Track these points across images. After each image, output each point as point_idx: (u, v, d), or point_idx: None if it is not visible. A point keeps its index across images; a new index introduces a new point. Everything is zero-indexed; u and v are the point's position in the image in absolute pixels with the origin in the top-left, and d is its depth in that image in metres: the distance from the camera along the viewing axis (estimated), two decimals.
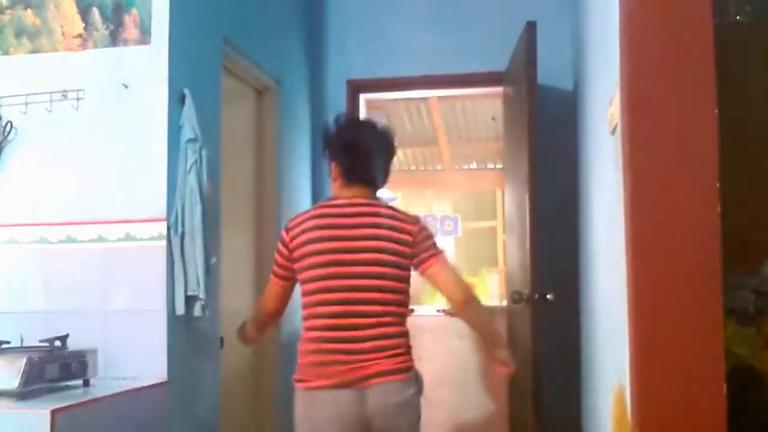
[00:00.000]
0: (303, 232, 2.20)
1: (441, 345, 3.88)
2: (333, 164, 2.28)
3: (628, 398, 1.59)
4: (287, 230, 2.26)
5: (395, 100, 5.38)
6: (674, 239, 1.50)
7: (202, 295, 2.33)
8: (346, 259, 2.14)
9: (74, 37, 2.41)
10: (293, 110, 3.68)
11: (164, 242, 2.28)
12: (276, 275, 2.29)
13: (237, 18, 2.95)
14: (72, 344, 2.11)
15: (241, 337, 2.50)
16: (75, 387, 2.07)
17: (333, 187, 2.31)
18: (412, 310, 2.59)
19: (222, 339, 2.69)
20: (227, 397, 2.81)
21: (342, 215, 2.20)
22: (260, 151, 3.35)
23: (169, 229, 2.28)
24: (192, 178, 2.34)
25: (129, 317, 2.27)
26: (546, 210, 3.15)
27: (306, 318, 2.19)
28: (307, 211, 2.28)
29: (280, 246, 2.26)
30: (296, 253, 2.21)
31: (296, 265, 2.22)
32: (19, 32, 2.44)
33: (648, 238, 1.52)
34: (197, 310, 2.35)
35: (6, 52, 2.45)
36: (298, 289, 2.28)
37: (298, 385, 2.17)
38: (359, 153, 2.26)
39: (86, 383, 2.10)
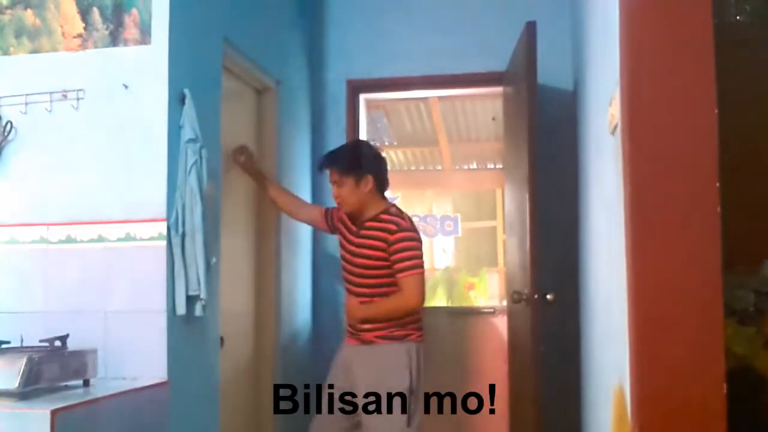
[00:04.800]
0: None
1: (441, 344, 3.87)
2: (370, 176, 2.82)
3: (628, 398, 1.60)
4: (418, 231, 2.87)
5: (395, 100, 5.37)
6: (674, 239, 1.50)
7: (203, 295, 2.33)
8: None
9: (74, 37, 2.41)
10: (293, 110, 3.68)
11: (164, 242, 2.27)
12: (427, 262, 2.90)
13: (237, 18, 2.95)
14: (72, 344, 2.11)
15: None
16: (75, 387, 2.07)
17: (365, 195, 2.82)
18: None
19: (222, 339, 2.68)
20: (227, 397, 2.80)
21: None
22: (260, 151, 3.34)
23: (169, 229, 2.28)
24: (192, 178, 2.34)
25: (129, 317, 2.27)
26: (546, 210, 3.15)
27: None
28: (407, 215, 2.84)
29: (420, 244, 2.82)
30: None
31: None
32: (19, 32, 2.44)
33: (648, 238, 1.52)
34: (198, 310, 2.35)
35: (6, 52, 2.45)
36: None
37: (419, 339, 2.82)
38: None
39: (86, 383, 2.10)
